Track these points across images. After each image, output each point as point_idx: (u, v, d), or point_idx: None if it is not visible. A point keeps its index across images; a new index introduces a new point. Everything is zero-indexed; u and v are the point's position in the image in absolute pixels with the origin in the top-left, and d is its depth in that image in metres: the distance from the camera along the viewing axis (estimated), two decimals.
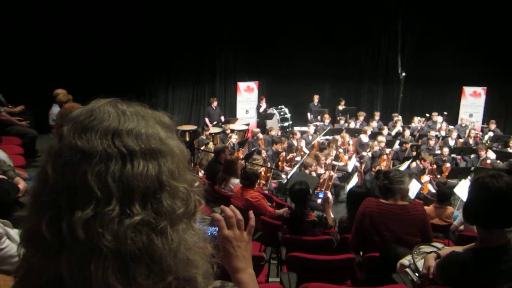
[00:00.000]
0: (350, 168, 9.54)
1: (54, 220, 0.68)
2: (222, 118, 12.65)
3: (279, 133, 12.42)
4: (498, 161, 9.30)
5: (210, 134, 11.01)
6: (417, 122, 12.88)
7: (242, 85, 14.00)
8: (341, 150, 10.26)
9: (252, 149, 9.67)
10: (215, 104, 12.68)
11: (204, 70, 13.70)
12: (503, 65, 13.07)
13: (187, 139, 10.94)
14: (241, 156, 8.97)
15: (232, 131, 11.10)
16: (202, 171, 8.04)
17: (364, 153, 10.31)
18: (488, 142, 11.50)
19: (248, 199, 5.44)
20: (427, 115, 13.09)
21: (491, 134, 12.12)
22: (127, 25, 10.86)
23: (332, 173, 8.77)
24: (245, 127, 12.70)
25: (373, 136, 10.78)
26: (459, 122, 13.31)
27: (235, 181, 6.13)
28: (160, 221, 0.70)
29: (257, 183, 6.02)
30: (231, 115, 13.68)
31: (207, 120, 12.52)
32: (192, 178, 0.80)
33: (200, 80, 13.70)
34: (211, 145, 9.47)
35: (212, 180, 6.65)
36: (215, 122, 12.41)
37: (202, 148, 9.48)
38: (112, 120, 0.73)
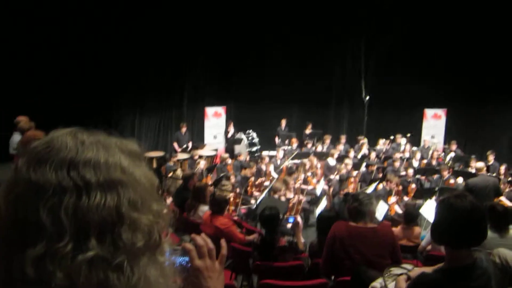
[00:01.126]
0: (318, 192, 9.59)
1: (6, 257, 0.64)
2: (190, 144, 12.56)
3: (248, 158, 12.41)
4: (462, 182, 9.55)
5: (178, 160, 10.88)
6: (382, 144, 13.14)
7: (209, 110, 13.99)
8: (309, 173, 10.32)
9: (221, 175, 9.60)
10: (184, 130, 12.60)
11: (171, 95, 13.61)
12: (461, 88, 13.60)
13: (154, 165, 10.77)
14: (210, 182, 8.88)
15: (200, 157, 11.01)
16: (170, 198, 7.90)
17: (332, 176, 10.40)
18: (450, 162, 11.83)
19: (218, 226, 5.35)
20: (391, 137, 13.38)
21: (452, 154, 12.47)
22: (91, 50, 10.73)
23: (301, 197, 8.79)
24: (214, 153, 12.63)
25: (340, 159, 10.91)
26: (422, 143, 13.69)
27: (204, 208, 6.03)
28: (117, 256, 0.67)
29: (226, 209, 5.96)
30: (199, 140, 13.57)
31: (175, 145, 12.40)
32: (159, 208, 0.77)
33: (167, 105, 13.60)
34: (179, 172, 9.35)
35: (181, 207, 6.54)
36: (184, 146, 12.31)
37: (170, 174, 9.35)
38: (69, 151, 0.70)
